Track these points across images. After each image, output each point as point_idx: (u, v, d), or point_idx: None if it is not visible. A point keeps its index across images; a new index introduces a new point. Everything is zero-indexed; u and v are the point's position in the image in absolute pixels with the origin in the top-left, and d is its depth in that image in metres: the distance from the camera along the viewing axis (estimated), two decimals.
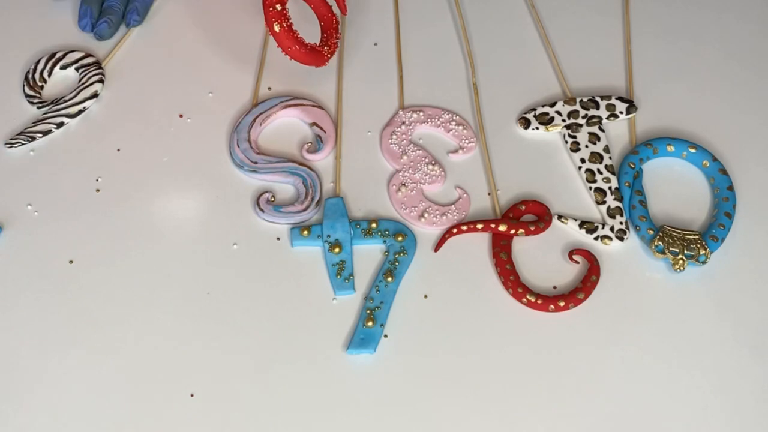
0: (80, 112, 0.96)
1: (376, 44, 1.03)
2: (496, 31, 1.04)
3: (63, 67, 0.99)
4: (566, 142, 0.96)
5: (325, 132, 0.96)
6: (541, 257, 0.89)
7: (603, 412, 0.82)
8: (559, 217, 0.91)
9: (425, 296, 0.87)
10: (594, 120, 0.97)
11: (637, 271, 0.89)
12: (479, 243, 0.90)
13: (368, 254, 0.89)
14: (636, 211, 0.91)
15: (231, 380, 0.82)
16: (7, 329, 0.83)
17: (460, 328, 0.85)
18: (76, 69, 0.98)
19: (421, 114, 0.97)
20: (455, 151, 0.95)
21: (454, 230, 0.89)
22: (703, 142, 0.96)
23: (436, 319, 0.85)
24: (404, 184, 0.93)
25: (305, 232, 0.89)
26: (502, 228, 0.89)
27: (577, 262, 0.89)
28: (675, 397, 0.83)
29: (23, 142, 0.93)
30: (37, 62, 0.98)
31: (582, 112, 0.97)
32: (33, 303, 0.84)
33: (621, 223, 0.91)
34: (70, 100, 0.96)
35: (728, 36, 1.05)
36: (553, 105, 0.98)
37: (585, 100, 0.98)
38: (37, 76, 0.98)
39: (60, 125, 0.95)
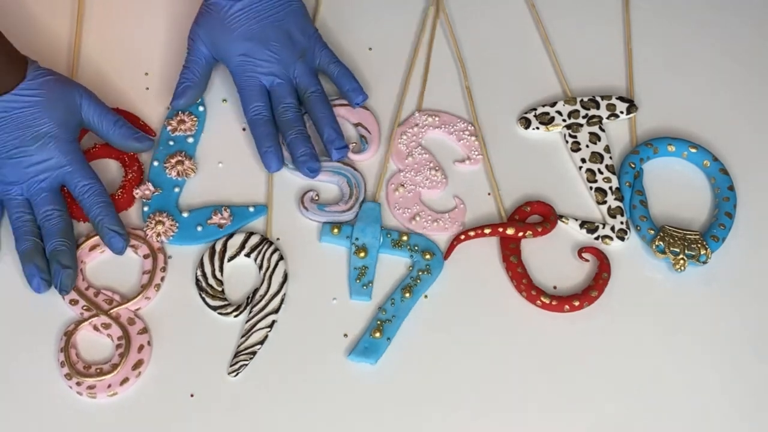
0: (282, 301, 0.86)
1: (370, 49, 1.02)
2: (497, 31, 1.04)
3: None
4: (567, 141, 0.96)
5: (369, 133, 0.96)
6: (545, 258, 0.89)
7: (602, 410, 0.82)
8: (560, 217, 0.91)
9: (425, 296, 0.87)
10: (594, 120, 0.97)
11: (638, 271, 0.89)
12: (488, 248, 0.90)
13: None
14: (637, 210, 0.91)
15: (230, 379, 0.82)
16: None
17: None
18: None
19: (437, 119, 0.97)
20: (462, 161, 0.95)
21: (462, 236, 0.89)
22: (704, 142, 0.96)
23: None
24: (403, 185, 0.92)
25: (335, 230, 0.89)
26: (510, 231, 0.89)
27: (586, 260, 0.89)
28: (675, 397, 0.83)
29: (246, 361, 0.83)
30: (202, 262, 0.87)
31: (582, 112, 0.97)
32: None
33: (622, 222, 0.91)
34: (264, 297, 0.86)
35: (729, 36, 1.05)
36: (553, 105, 0.97)
37: (585, 99, 0.98)
38: (210, 280, 0.87)
39: (271, 325, 0.85)
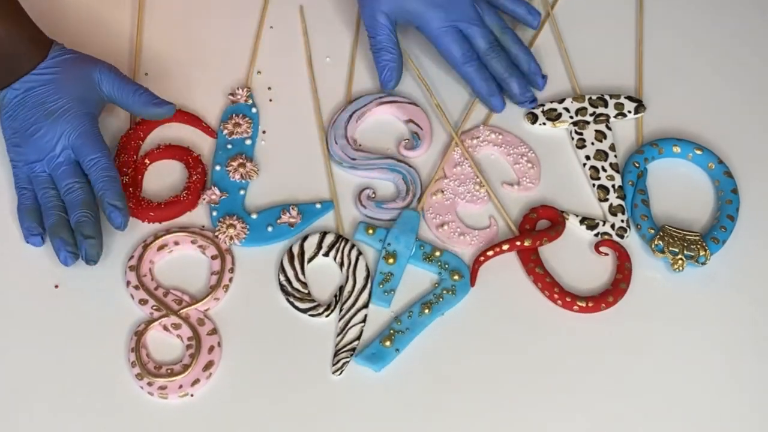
0: (370, 295, 0.87)
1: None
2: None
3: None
4: (572, 138, 0.96)
5: (421, 129, 0.96)
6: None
7: (602, 410, 0.83)
8: (561, 212, 0.92)
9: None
10: (602, 118, 0.97)
11: (637, 271, 0.89)
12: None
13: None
14: (638, 209, 0.92)
15: (232, 382, 0.83)
16: None
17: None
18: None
19: (500, 137, 0.96)
20: (511, 185, 0.94)
21: (482, 258, 0.88)
22: (710, 145, 0.96)
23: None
24: (443, 191, 0.92)
25: (370, 231, 0.89)
26: (528, 243, 0.88)
27: (605, 254, 0.90)
28: (672, 397, 0.84)
29: (347, 359, 0.83)
30: (283, 267, 0.87)
31: (590, 110, 0.97)
32: None
33: (622, 220, 0.91)
34: (352, 293, 0.87)
35: (740, 41, 1.05)
36: (561, 101, 0.98)
37: (594, 97, 0.98)
38: (295, 284, 0.87)
39: (364, 320, 0.86)
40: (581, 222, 0.91)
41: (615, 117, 0.97)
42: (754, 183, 0.95)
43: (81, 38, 0.93)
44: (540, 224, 0.91)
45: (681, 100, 1.00)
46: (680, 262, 0.88)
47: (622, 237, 0.91)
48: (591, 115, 0.97)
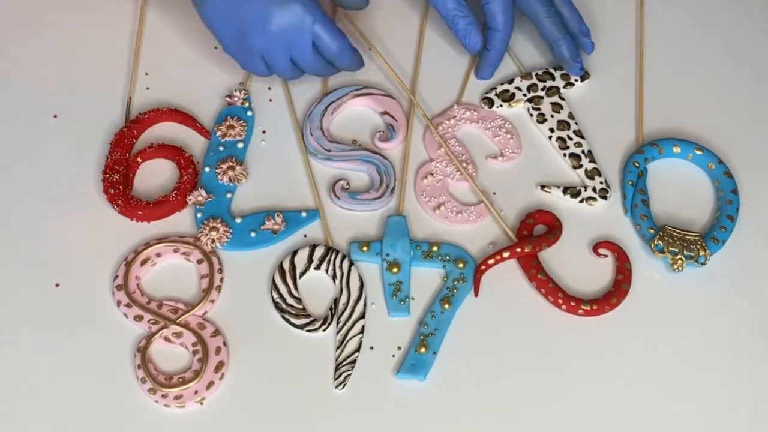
0: (365, 305, 0.87)
1: (370, 49, 1.01)
2: None
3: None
4: (531, 115, 0.97)
5: (396, 121, 0.97)
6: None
7: (601, 410, 0.82)
8: (542, 187, 0.92)
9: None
10: (552, 90, 0.98)
11: (637, 271, 0.89)
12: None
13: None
14: (638, 209, 0.91)
15: (241, 381, 0.83)
16: None
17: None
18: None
19: (475, 113, 0.97)
20: (495, 157, 0.95)
21: (483, 267, 0.88)
22: (710, 145, 0.96)
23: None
24: (432, 174, 0.93)
25: (365, 248, 0.88)
26: (527, 249, 0.88)
27: (604, 256, 0.90)
28: (672, 396, 0.83)
29: (349, 371, 0.83)
30: (275, 284, 0.86)
31: (540, 85, 0.99)
32: None
33: (601, 182, 0.92)
34: (347, 305, 0.86)
35: (741, 41, 1.05)
36: (511, 81, 0.99)
37: (540, 72, 1.00)
38: (289, 300, 0.86)
39: (362, 331, 0.85)
40: (564, 192, 0.92)
41: (564, 87, 0.99)
42: (754, 183, 0.94)
43: (81, 37, 0.96)
44: (537, 229, 0.91)
45: (681, 100, 1.00)
46: (680, 262, 0.88)
47: (605, 198, 0.91)
48: (542, 89, 0.99)
